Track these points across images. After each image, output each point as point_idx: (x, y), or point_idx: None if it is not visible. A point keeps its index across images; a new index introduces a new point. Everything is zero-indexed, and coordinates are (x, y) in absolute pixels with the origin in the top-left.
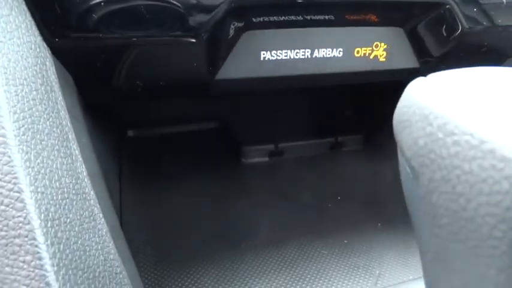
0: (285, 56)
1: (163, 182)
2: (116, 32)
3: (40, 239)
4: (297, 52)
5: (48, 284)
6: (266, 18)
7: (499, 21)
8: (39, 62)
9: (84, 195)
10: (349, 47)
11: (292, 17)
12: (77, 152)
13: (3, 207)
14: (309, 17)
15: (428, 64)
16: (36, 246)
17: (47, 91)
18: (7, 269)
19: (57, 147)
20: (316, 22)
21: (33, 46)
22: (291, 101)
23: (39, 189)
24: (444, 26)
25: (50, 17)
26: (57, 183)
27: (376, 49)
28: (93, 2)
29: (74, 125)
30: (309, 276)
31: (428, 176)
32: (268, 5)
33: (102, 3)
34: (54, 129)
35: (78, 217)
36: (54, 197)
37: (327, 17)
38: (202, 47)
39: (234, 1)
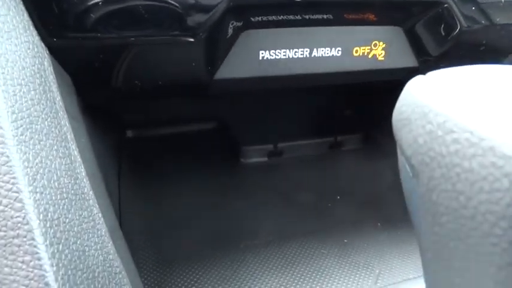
0: (283, 55)
1: (163, 182)
2: (113, 31)
3: (39, 239)
4: (295, 51)
5: (47, 284)
6: (265, 18)
7: (498, 19)
8: (37, 62)
9: (83, 195)
10: (347, 46)
11: (291, 16)
12: (75, 152)
13: (1, 207)
14: (307, 16)
15: (427, 63)
16: (35, 246)
17: (45, 91)
18: (6, 269)
19: (55, 147)
20: (315, 21)
21: (31, 46)
22: (289, 100)
23: (38, 190)
24: (442, 25)
25: (48, 17)
26: (56, 183)
27: (374, 48)
28: (91, 2)
29: (72, 125)
30: (309, 275)
31: (428, 174)
32: (267, 4)
33: (100, 3)
34: (53, 129)
35: (77, 217)
36: (53, 197)
37: (325, 16)
38: (200, 46)
39: (233, 0)
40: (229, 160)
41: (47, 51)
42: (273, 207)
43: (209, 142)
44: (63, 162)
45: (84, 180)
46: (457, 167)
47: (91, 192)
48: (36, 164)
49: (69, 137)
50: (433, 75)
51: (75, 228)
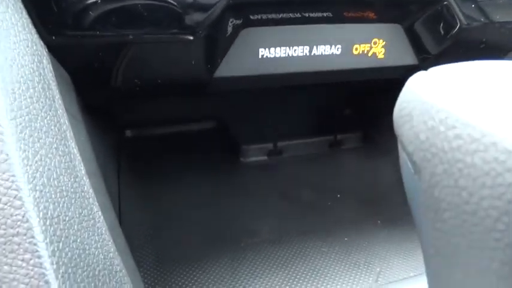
0: (283, 53)
1: (163, 180)
2: (112, 30)
3: (39, 237)
4: (295, 49)
5: (47, 282)
6: (264, 16)
7: (497, 17)
8: (35, 60)
9: (82, 194)
10: (347, 44)
11: (291, 14)
12: (75, 150)
13: (1, 205)
14: (307, 14)
15: (427, 61)
16: (35, 244)
17: (44, 89)
18: (6, 267)
19: (55, 145)
20: (315, 19)
21: (29, 44)
22: (289, 99)
23: (37, 187)
24: (442, 23)
25: (47, 15)
26: (56, 182)
27: (374, 46)
28: (90, 0)
29: (72, 123)
30: (309, 274)
31: (430, 170)
32: (267, 1)
33: (99, 1)
34: (52, 127)
35: (77, 215)
36: (53, 195)
37: (325, 14)
38: (200, 45)
39: None
40: (229, 159)
41: (46, 50)
42: (273, 205)
43: (209, 141)
44: (63, 160)
45: (84, 178)
46: (459, 162)
47: (91, 191)
48: (36, 162)
49: (68, 135)
50: (434, 71)
51: (75, 226)
